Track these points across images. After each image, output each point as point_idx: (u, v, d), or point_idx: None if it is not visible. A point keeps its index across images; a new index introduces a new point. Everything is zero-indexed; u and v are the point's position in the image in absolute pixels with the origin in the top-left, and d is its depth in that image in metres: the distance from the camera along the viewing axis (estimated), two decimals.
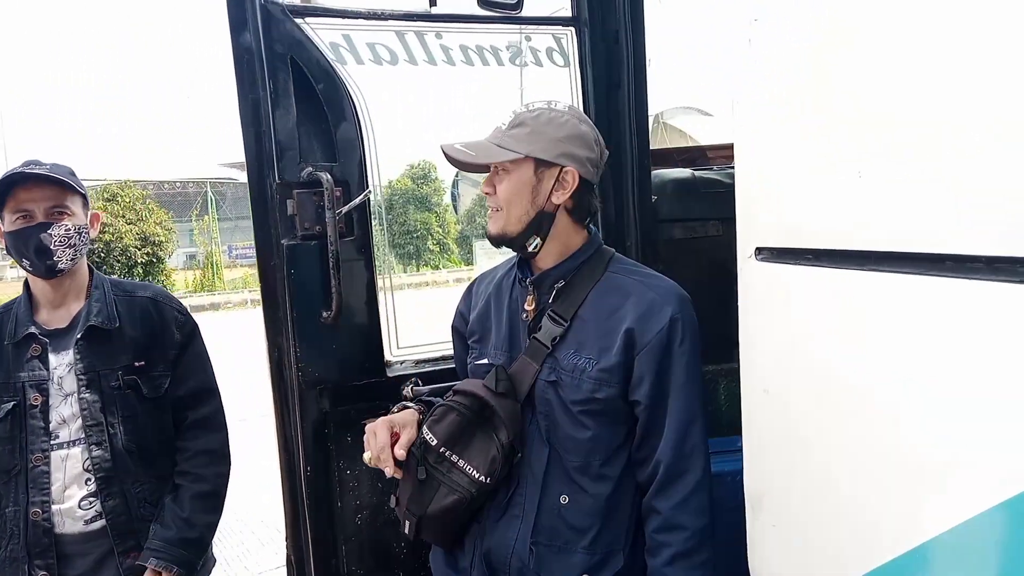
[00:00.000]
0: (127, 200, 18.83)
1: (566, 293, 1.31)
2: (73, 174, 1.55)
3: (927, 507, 0.80)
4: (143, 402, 1.58)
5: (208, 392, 1.72)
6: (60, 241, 1.49)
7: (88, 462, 1.52)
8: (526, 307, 1.34)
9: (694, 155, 2.70)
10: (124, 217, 18.40)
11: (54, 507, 1.50)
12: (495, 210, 1.30)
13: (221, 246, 22.41)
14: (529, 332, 1.32)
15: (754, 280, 1.08)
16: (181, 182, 24.32)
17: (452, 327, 1.57)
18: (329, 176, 1.72)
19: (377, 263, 1.86)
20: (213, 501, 1.64)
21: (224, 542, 3.90)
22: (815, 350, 0.95)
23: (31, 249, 1.47)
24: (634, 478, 1.30)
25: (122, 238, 17.97)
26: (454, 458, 1.28)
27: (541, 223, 1.29)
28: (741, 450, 1.92)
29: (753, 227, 1.08)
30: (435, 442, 1.28)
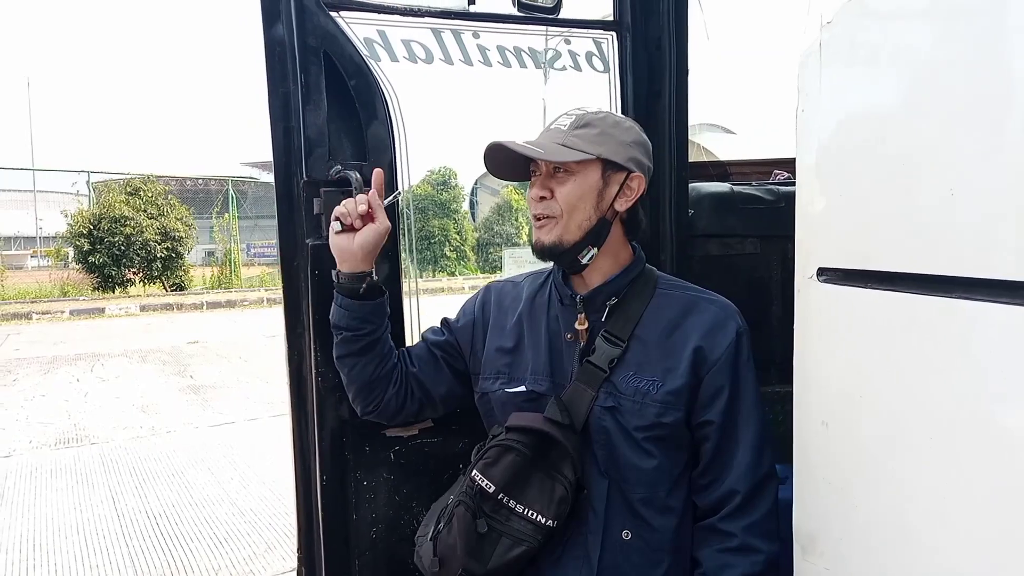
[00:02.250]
0: (149, 195, 18.96)
1: (619, 311, 1.22)
2: None
3: (1018, 563, 0.72)
4: None
5: None
6: None
7: None
8: (576, 327, 1.24)
9: (726, 169, 2.64)
10: (146, 212, 18.52)
11: None
12: (548, 217, 1.21)
13: (240, 244, 22.50)
14: (581, 355, 1.22)
15: (814, 303, 1.00)
16: (203, 179, 24.46)
17: (444, 319, 1.48)
18: (358, 175, 1.66)
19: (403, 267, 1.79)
20: None
21: (231, 543, 3.85)
22: (886, 381, 0.87)
23: None
24: (693, 506, 1.22)
25: (143, 232, 18.06)
26: (512, 504, 1.16)
27: (600, 232, 1.21)
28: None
29: (815, 246, 1.00)
30: (492, 488, 1.16)
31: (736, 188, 2.14)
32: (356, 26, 1.73)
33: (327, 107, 1.69)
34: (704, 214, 2.06)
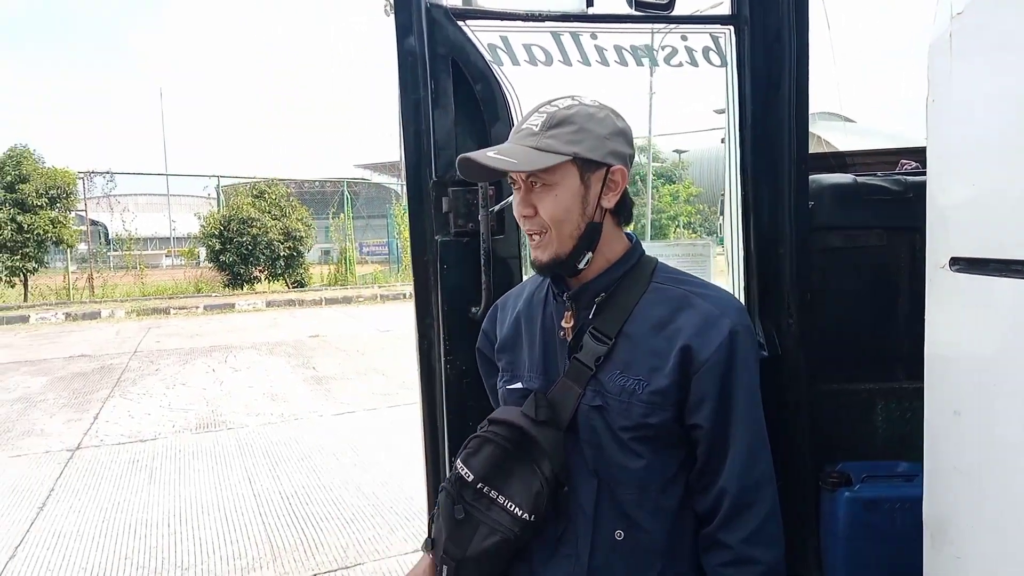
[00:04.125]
0: (273, 197, 20.10)
1: (608, 307, 1.18)
2: None
3: None
4: None
5: None
6: None
7: None
8: (563, 324, 1.22)
9: (848, 160, 2.57)
10: (270, 213, 19.65)
11: None
12: (539, 234, 1.16)
13: (354, 243, 23.48)
14: (569, 352, 1.20)
15: (947, 292, 1.00)
16: (320, 181, 25.67)
17: (476, 349, 1.47)
18: (498, 180, 1.75)
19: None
20: None
21: (357, 524, 4.08)
22: (1021, 369, 0.87)
23: None
24: (692, 509, 1.19)
25: (267, 232, 19.18)
26: (493, 494, 1.16)
27: (592, 236, 1.17)
28: (901, 476, 1.81)
29: (948, 235, 1.00)
30: (471, 477, 1.18)
31: (860, 179, 2.09)
32: (481, 33, 1.83)
33: (454, 111, 1.80)
34: (826, 206, 2.03)
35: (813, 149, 2.49)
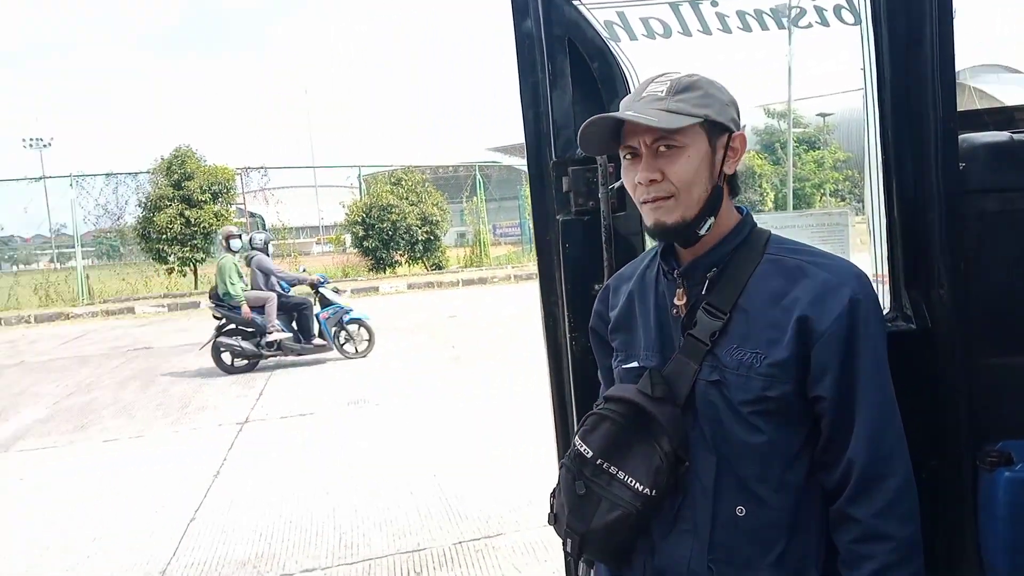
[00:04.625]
0: (410, 184, 20.89)
1: (721, 282, 1.17)
2: None
3: None
4: None
5: None
6: None
7: None
8: (676, 301, 1.20)
9: (1009, 116, 2.33)
10: (408, 199, 20.44)
11: None
12: (665, 197, 1.14)
13: (487, 225, 23.97)
14: (683, 329, 1.19)
15: None
16: (453, 166, 26.36)
17: (590, 329, 1.46)
18: (616, 153, 1.75)
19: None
20: None
21: (497, 497, 4.23)
22: None
23: None
24: (819, 484, 1.15)
25: (406, 218, 19.99)
26: (613, 470, 1.17)
27: (716, 200, 1.16)
28: None
29: None
30: (591, 454, 1.19)
31: (1017, 137, 1.91)
32: (596, 11, 1.82)
33: (572, 91, 1.81)
34: (979, 167, 1.87)
35: (971, 105, 2.29)
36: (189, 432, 6.17)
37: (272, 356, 8.65)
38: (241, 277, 8.70)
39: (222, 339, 8.54)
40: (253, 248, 8.95)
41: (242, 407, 6.88)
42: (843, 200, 26.47)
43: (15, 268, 26.05)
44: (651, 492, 1.15)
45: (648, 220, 1.18)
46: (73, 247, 20.16)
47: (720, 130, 1.16)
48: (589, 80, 1.83)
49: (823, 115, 30.39)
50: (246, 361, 8.66)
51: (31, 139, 35.57)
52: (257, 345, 8.52)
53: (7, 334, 14.19)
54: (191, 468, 5.18)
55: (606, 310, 1.39)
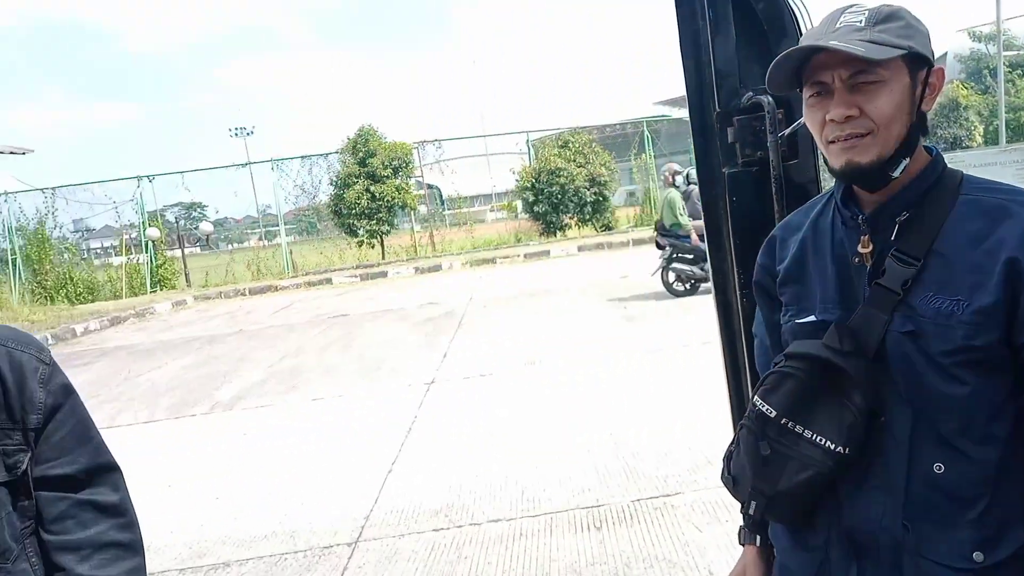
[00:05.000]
0: (577, 146, 20.86)
1: (912, 227, 1.09)
2: None
3: None
4: None
5: (105, 469, 1.25)
6: None
7: None
8: (861, 249, 1.13)
9: None
10: (575, 161, 20.46)
11: None
12: (861, 135, 1.07)
13: (657, 182, 23.42)
14: (870, 278, 1.11)
15: None
16: (620, 124, 25.90)
17: (755, 283, 1.37)
18: (770, 99, 1.67)
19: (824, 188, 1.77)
20: None
21: (673, 457, 4.22)
22: None
23: None
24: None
25: (574, 180, 20.05)
26: (799, 429, 1.13)
27: (913, 139, 1.09)
28: None
29: None
30: (774, 414, 1.15)
31: None
32: None
33: (735, 36, 1.73)
34: None
35: None
36: (382, 392, 6.70)
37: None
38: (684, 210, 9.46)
39: (675, 265, 9.44)
40: (690, 184, 9.54)
41: (429, 368, 7.35)
42: None
43: (230, 247, 29.32)
44: (844, 450, 1.11)
45: (837, 161, 1.11)
46: (277, 225, 22.34)
47: (921, 63, 1.09)
48: (755, 23, 1.74)
49: None
50: (687, 286, 9.49)
51: (236, 128, 39.35)
52: (702, 269, 9.05)
53: (226, 306, 16.06)
54: (386, 426, 5.63)
55: (773, 263, 1.33)
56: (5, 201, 20.13)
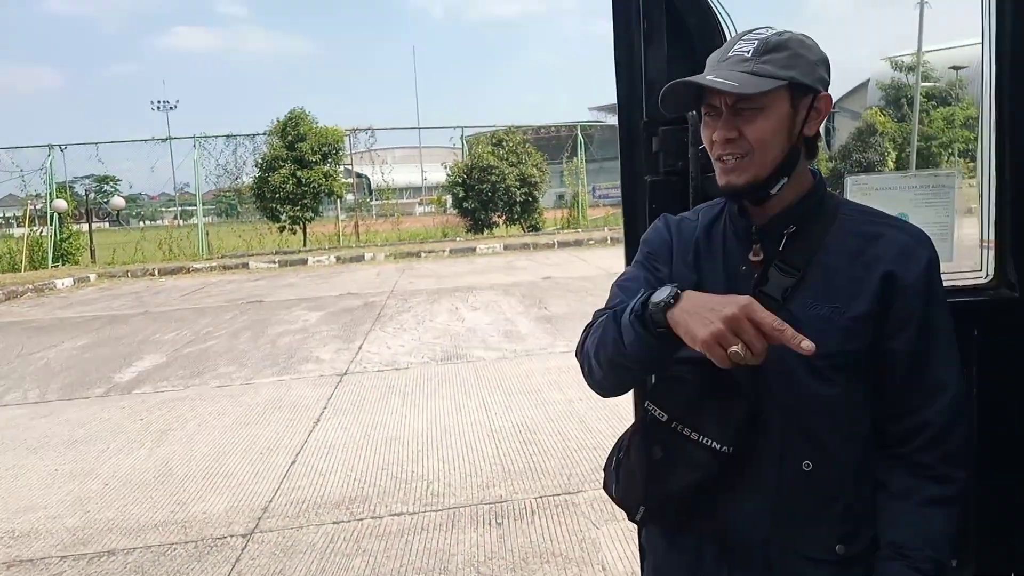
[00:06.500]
0: (510, 145, 20.93)
1: (797, 240, 1.17)
2: None
3: None
4: None
5: None
6: None
7: None
8: (751, 258, 1.20)
9: None
10: (507, 160, 20.51)
11: None
12: (739, 157, 1.14)
13: (586, 187, 23.76)
14: (755, 286, 1.17)
15: None
16: (555, 126, 26.13)
17: (637, 263, 1.34)
18: (695, 113, 1.71)
19: None
20: None
21: (581, 455, 4.28)
22: None
23: None
24: (874, 435, 1.19)
25: (505, 179, 20.10)
26: (687, 432, 1.17)
27: (791, 161, 1.16)
28: None
29: None
30: (665, 417, 1.19)
31: None
32: None
33: (667, 48, 1.76)
34: None
35: None
36: (293, 382, 6.53)
37: None
38: None
39: None
40: None
41: (342, 359, 7.22)
42: (972, 161, 24.61)
43: (142, 224, 28.06)
44: (729, 450, 1.15)
45: (720, 180, 1.18)
46: (195, 205, 21.50)
47: (805, 91, 1.15)
48: (686, 36, 1.77)
49: (956, 68, 28.03)
50: None
51: (159, 102, 37.79)
52: None
53: (133, 285, 15.37)
54: (294, 415, 5.49)
55: (671, 241, 1.31)
56: None
